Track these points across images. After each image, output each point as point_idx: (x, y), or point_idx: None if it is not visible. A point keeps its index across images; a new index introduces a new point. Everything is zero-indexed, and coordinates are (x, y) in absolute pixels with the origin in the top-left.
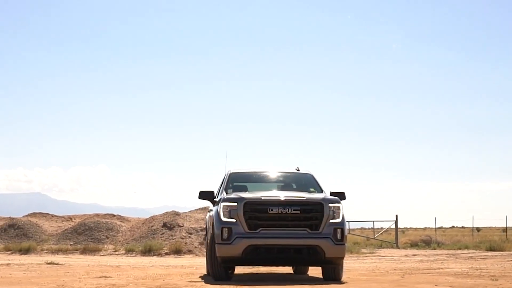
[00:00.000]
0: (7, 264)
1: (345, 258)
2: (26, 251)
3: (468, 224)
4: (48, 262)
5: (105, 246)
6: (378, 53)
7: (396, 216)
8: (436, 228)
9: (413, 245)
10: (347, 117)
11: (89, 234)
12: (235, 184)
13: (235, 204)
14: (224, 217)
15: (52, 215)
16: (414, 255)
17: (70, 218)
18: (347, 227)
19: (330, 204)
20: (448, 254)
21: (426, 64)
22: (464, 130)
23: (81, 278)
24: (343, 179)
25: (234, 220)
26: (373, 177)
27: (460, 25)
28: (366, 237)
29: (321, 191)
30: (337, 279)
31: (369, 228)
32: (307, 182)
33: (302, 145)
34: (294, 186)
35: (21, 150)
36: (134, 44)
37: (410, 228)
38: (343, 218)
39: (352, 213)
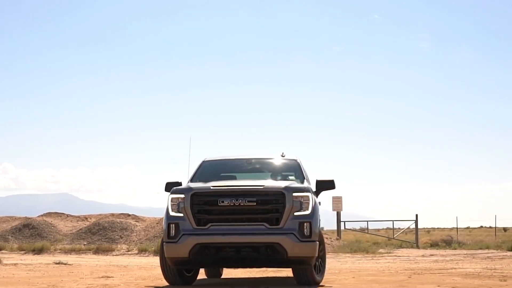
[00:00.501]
0: (15, 264)
1: (359, 258)
2: (39, 251)
3: (497, 224)
4: (56, 262)
5: (119, 246)
6: (405, 53)
7: (416, 215)
8: (458, 228)
9: (434, 245)
10: (370, 118)
11: (103, 234)
12: (206, 173)
13: (183, 196)
14: (172, 211)
15: (68, 215)
16: (431, 255)
17: (85, 218)
18: (319, 221)
19: (295, 194)
20: (466, 254)
21: (453, 65)
22: (488, 130)
23: (82, 278)
24: (371, 180)
25: (182, 215)
26: (399, 178)
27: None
28: (387, 237)
29: (303, 178)
30: (311, 283)
31: (395, 228)
32: (289, 169)
33: (323, 147)
34: (272, 174)
35: (49, 151)
36: (162, 46)
37: (438, 228)
38: (313, 210)
39: (380, 213)
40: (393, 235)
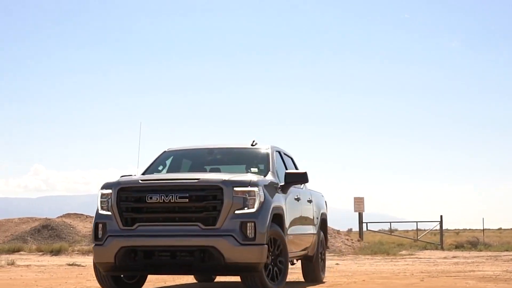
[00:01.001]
0: (28, 266)
1: (377, 260)
2: (57, 252)
3: None
4: (70, 263)
5: None
6: (435, 52)
7: (441, 216)
8: (486, 229)
9: (459, 246)
10: (395, 118)
11: None
12: (164, 164)
13: (110, 191)
14: (101, 209)
15: (87, 216)
16: (454, 257)
17: None
18: (267, 222)
19: (237, 188)
20: (489, 256)
21: (483, 64)
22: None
23: (89, 280)
24: (401, 181)
25: (110, 213)
26: (427, 178)
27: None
28: (413, 239)
29: (268, 171)
30: None
31: (422, 229)
32: (257, 159)
33: (351, 149)
34: (236, 166)
35: (80, 152)
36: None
37: (468, 229)
38: (261, 208)
39: (410, 214)
40: (417, 236)
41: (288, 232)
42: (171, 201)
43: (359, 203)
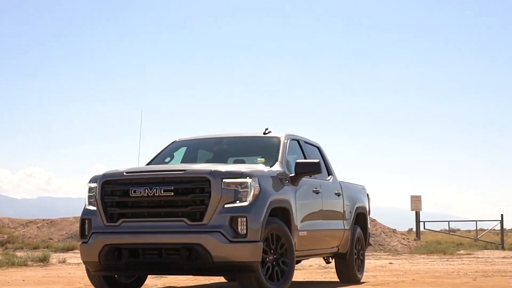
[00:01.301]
0: (78, 264)
1: (433, 260)
2: None
3: None
4: None
5: None
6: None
7: (502, 215)
8: None
9: None
10: (456, 118)
11: None
12: (170, 156)
13: (95, 185)
14: (88, 204)
15: None
16: None
17: None
18: (262, 216)
19: (227, 180)
20: None
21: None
22: None
23: None
24: (466, 180)
25: (95, 209)
26: (494, 176)
27: None
28: (473, 238)
29: (275, 160)
30: None
31: (483, 229)
32: (268, 148)
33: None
34: (245, 155)
35: (139, 151)
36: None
37: None
38: (255, 201)
39: (475, 213)
40: (477, 236)
41: (300, 228)
42: (155, 194)
43: (416, 201)
